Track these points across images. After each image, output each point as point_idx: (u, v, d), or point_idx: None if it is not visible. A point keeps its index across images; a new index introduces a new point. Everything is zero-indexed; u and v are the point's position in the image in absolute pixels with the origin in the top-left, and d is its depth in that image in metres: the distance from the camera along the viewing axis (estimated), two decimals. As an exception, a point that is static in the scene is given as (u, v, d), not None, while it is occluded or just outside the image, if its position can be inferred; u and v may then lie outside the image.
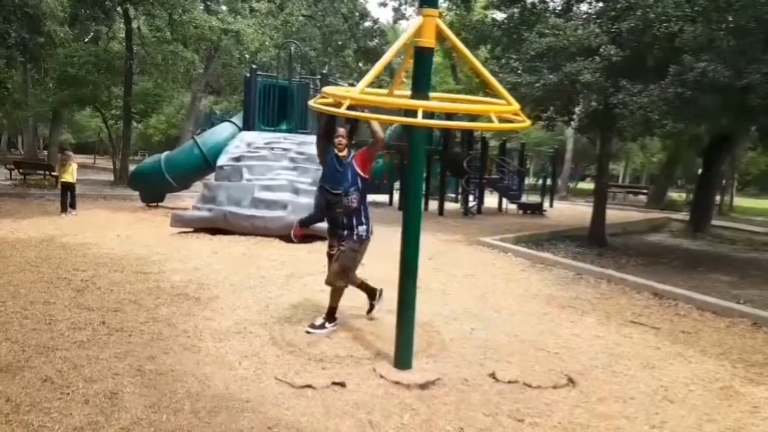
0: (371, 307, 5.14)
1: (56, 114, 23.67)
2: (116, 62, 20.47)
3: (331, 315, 4.80)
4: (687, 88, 8.20)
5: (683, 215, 18.01)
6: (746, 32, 7.97)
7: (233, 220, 9.60)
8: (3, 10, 13.25)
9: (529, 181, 30.72)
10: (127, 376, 3.66)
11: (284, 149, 11.24)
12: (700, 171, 17.31)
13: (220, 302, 5.51)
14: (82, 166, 13.07)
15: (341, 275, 4.65)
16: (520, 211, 17.74)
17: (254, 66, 14.41)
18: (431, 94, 4.08)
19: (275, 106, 12.90)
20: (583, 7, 11.94)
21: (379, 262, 6.18)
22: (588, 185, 36.66)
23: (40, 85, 20.81)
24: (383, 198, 18.83)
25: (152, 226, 10.69)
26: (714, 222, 16.36)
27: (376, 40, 30.99)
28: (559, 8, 11.85)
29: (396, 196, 18.63)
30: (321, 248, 5.98)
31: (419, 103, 3.44)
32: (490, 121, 3.43)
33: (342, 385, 3.70)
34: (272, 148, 11.35)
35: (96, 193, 16.27)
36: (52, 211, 11.92)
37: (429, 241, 9.25)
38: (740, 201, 30.77)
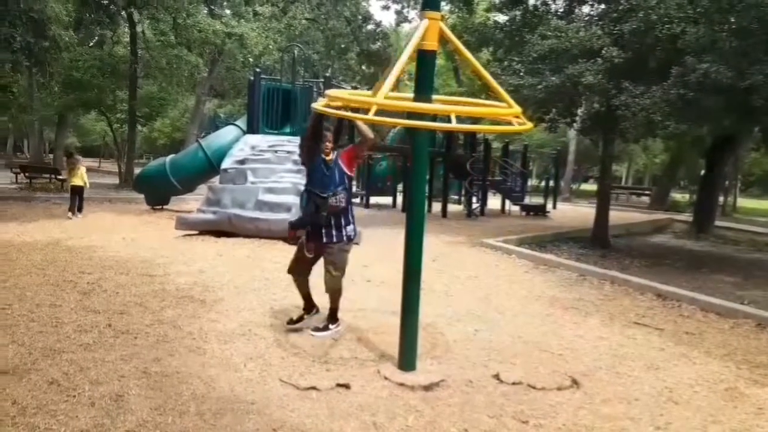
0: (300, 319, 4.86)
1: (62, 118, 23.82)
2: (121, 66, 20.59)
3: (333, 317, 4.80)
4: (689, 90, 8.19)
5: (686, 216, 17.99)
6: (749, 33, 7.97)
7: (237, 223, 9.63)
8: (8, 14, 13.33)
9: (532, 182, 30.77)
10: (133, 378, 3.68)
11: (288, 152, 11.28)
12: (703, 172, 17.29)
13: (224, 304, 5.53)
14: (87, 170, 13.09)
15: (338, 278, 4.60)
16: (523, 213, 17.73)
17: (258, 69, 14.50)
18: (434, 97, 4.09)
19: (279, 110, 12.96)
20: (585, 9, 11.96)
21: (383, 263, 6.19)
22: (591, 187, 36.61)
23: (45, 89, 20.95)
24: (387, 200, 18.86)
25: (157, 229, 10.71)
26: (717, 223, 16.33)
27: (379, 43, 31.07)
28: (561, 10, 11.87)
29: (400, 198, 18.69)
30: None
31: (447, 108, 3.43)
32: (492, 123, 3.45)
33: (346, 386, 3.71)
34: (276, 151, 11.41)
35: (101, 196, 16.32)
36: (57, 215, 11.96)
37: (432, 242, 9.27)
38: (743, 202, 30.67)
